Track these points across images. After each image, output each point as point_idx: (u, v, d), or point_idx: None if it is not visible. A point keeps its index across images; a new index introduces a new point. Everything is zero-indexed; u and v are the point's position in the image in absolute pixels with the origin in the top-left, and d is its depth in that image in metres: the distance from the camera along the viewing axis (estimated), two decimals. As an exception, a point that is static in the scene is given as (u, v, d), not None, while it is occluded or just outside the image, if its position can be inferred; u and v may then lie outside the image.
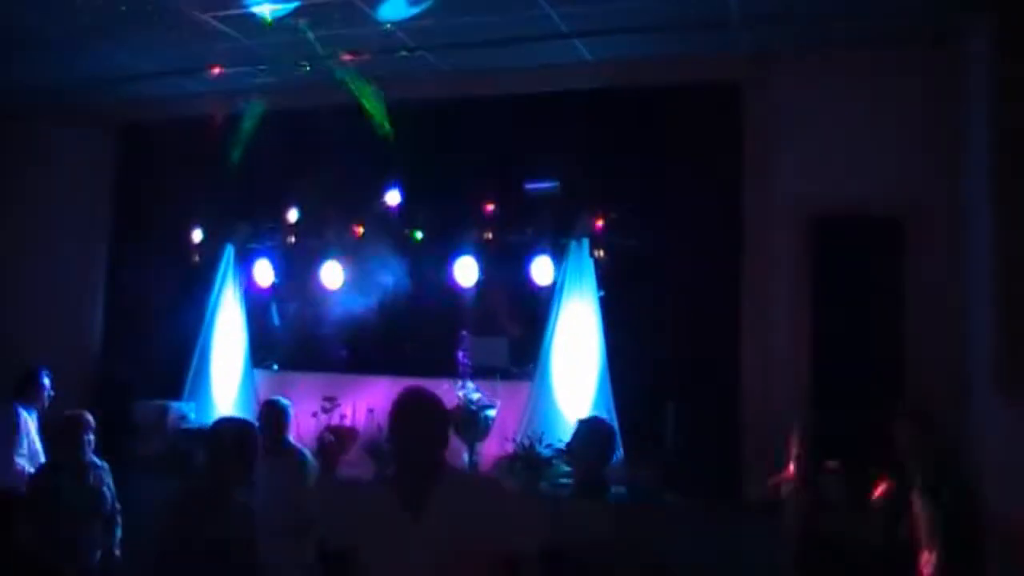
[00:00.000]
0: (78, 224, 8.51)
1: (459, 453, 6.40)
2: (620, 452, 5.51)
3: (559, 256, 6.84)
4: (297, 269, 7.57)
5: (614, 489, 4.64)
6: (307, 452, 5.77)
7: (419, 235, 7.19)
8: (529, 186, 6.95)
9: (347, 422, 6.95)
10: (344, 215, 7.34)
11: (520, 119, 7.03)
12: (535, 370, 6.78)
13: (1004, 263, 5.12)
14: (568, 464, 5.75)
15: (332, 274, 7.32)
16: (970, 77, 5.73)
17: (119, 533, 5.55)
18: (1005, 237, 5.13)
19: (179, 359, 7.67)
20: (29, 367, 6.57)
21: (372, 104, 6.65)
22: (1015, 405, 4.93)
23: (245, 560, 3.99)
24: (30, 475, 5.78)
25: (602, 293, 6.76)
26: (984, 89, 5.38)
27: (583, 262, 6.80)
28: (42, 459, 6.23)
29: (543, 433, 6.42)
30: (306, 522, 5.02)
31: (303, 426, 6.68)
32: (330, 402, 6.95)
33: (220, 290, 7.75)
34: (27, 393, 6.45)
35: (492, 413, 6.61)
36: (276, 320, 7.69)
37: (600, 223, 6.77)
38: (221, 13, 6.14)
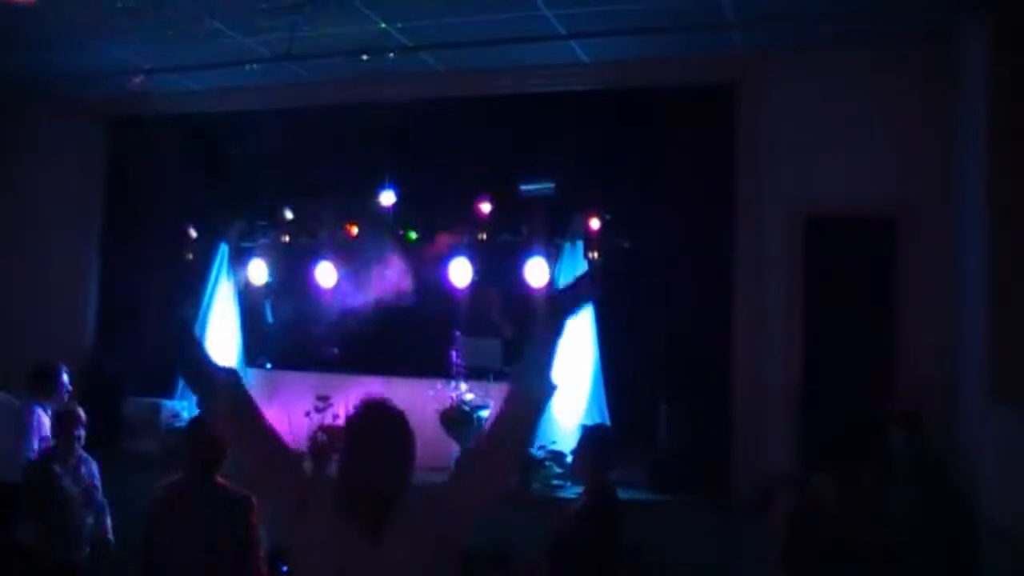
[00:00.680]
0: (71, 217, 8.42)
1: (451, 452, 6.38)
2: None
3: (553, 257, 6.83)
4: (291, 268, 7.56)
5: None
6: None
7: (413, 235, 7.19)
8: (524, 187, 6.94)
9: (340, 421, 6.92)
10: (338, 214, 7.34)
11: (515, 120, 7.03)
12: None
13: (998, 263, 5.11)
14: (573, 471, 5.72)
15: (326, 273, 7.32)
16: (964, 77, 5.73)
17: (109, 521, 5.61)
18: (999, 237, 5.12)
19: (171, 357, 7.59)
20: (46, 363, 6.21)
21: None
22: (1007, 405, 4.92)
23: (236, 550, 3.98)
24: (26, 469, 5.68)
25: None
26: (979, 88, 5.38)
27: (577, 263, 6.79)
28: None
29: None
30: None
31: (296, 425, 6.66)
32: (323, 401, 6.92)
33: (214, 288, 7.73)
34: (46, 389, 6.09)
35: (485, 414, 6.57)
36: (270, 319, 7.66)
37: (595, 224, 6.77)
38: (217, 10, 6.14)
